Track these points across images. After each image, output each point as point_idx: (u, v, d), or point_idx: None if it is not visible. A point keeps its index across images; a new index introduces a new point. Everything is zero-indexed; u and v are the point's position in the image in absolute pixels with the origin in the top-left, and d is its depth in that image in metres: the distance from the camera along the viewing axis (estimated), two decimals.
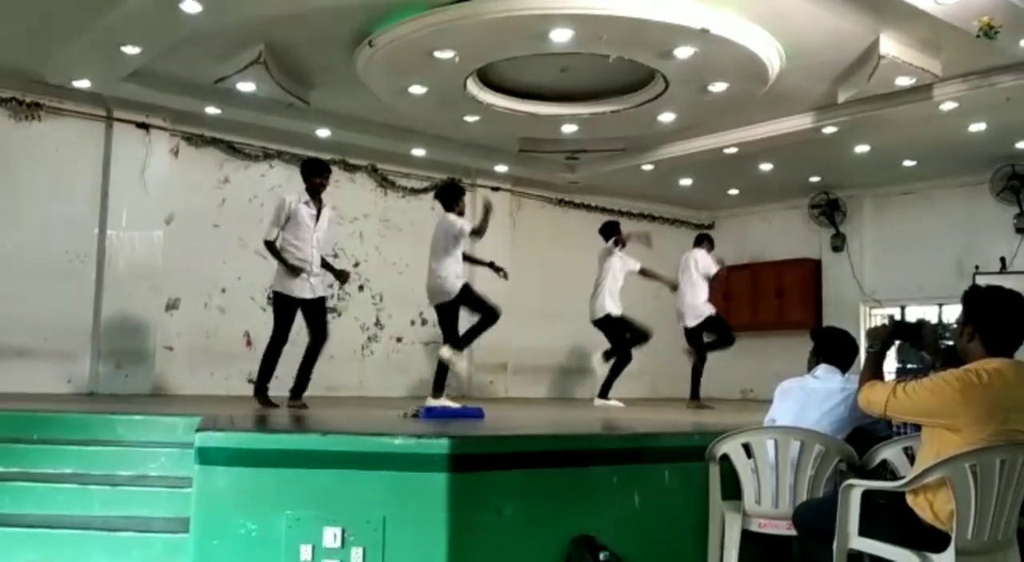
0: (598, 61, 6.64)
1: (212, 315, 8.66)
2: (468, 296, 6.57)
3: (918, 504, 2.95)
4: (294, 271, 6.01)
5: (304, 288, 6.07)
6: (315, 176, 6.16)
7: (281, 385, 6.19)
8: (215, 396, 8.06)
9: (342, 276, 6.46)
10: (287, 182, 9.02)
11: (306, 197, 6.13)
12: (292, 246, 6.07)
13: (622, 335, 8.11)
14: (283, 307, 6.12)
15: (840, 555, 3.07)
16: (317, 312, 6.18)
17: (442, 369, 6.63)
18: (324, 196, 6.24)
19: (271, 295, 6.32)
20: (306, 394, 6.19)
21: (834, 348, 4.00)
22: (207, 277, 8.65)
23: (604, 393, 8.14)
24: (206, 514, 3.40)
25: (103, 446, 4.47)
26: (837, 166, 9.86)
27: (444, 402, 6.42)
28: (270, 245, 6.11)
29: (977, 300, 3.02)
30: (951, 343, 3.23)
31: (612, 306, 8.12)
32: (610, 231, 8.49)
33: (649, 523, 3.84)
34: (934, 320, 9.74)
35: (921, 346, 3.65)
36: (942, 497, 2.86)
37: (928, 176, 10.06)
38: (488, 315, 6.55)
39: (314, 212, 6.14)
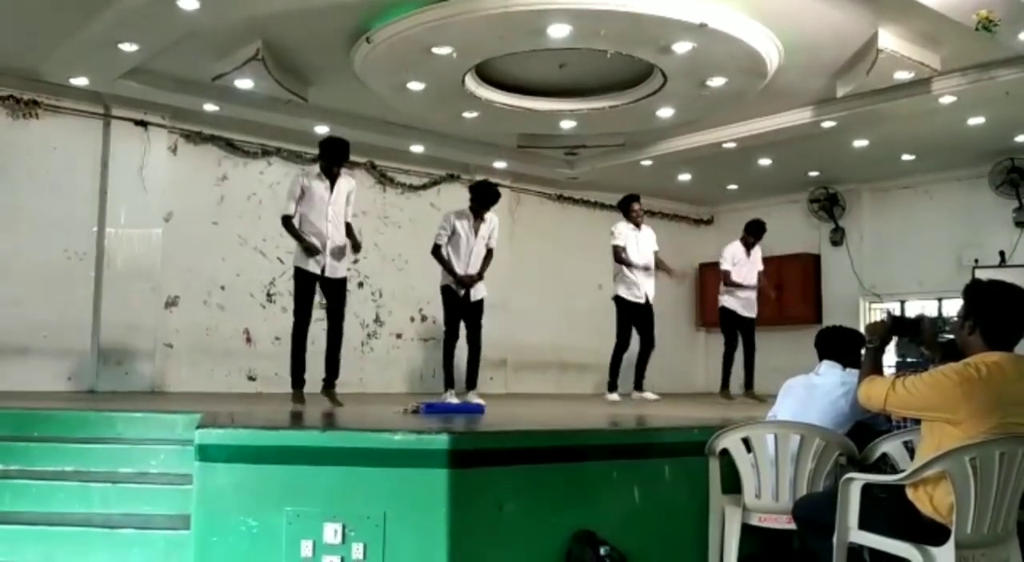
0: (596, 56, 6.62)
1: (212, 312, 8.66)
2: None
3: (918, 497, 2.96)
4: (309, 250, 5.99)
5: (316, 264, 6.01)
6: (321, 158, 6.15)
7: (283, 382, 6.19)
8: (215, 393, 8.07)
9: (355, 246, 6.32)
10: (285, 179, 8.99)
11: (318, 171, 6.10)
12: (307, 222, 6.04)
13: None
14: (299, 282, 6.09)
15: (840, 548, 3.07)
16: (332, 292, 6.15)
17: (449, 365, 6.79)
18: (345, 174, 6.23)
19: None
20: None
21: (834, 345, 4.01)
22: (206, 274, 8.64)
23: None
24: (207, 511, 3.41)
25: (103, 444, 4.48)
26: (836, 160, 9.85)
27: (474, 398, 6.62)
28: (286, 220, 6.07)
29: (978, 294, 3.03)
30: (950, 337, 3.24)
31: None
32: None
33: (650, 518, 3.84)
34: (933, 314, 9.75)
35: (920, 341, 3.65)
36: (942, 490, 2.86)
37: (927, 170, 10.04)
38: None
39: (327, 184, 6.05)
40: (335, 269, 6.07)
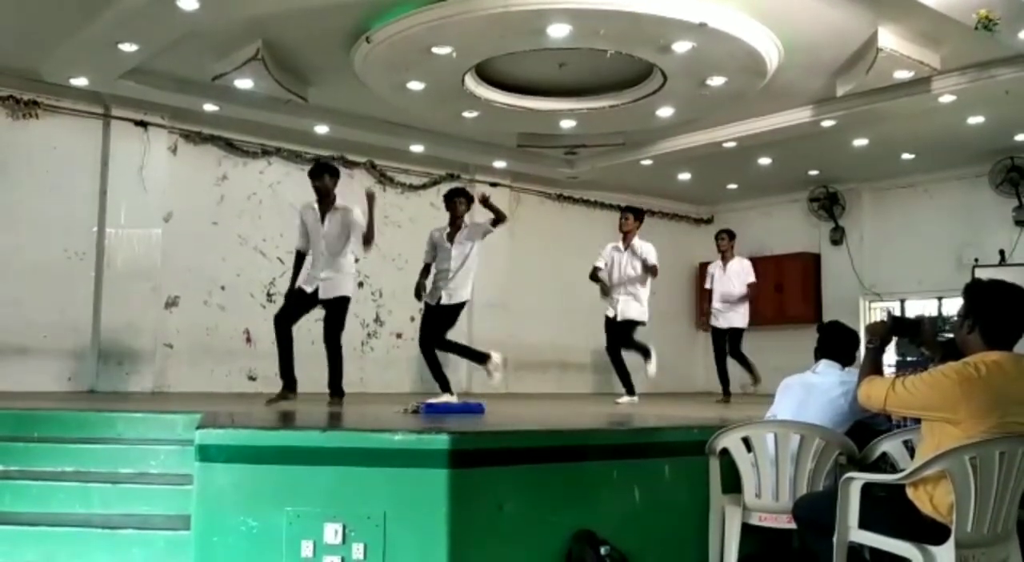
0: (596, 56, 6.62)
1: (212, 312, 8.66)
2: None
3: (918, 497, 2.96)
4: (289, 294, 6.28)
5: (309, 281, 6.20)
6: (312, 180, 6.28)
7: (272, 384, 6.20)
8: (215, 393, 8.07)
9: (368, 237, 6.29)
10: (285, 179, 9.05)
11: (313, 203, 6.29)
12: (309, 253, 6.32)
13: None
14: (288, 293, 6.33)
15: (840, 548, 3.07)
16: (327, 310, 6.26)
17: (433, 368, 6.86)
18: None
19: None
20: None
21: (835, 343, 4.01)
22: (206, 274, 8.64)
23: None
24: (207, 511, 3.41)
25: (103, 444, 4.48)
26: (836, 160, 9.85)
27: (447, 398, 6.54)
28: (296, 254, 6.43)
29: (978, 293, 3.03)
30: (950, 336, 3.24)
31: None
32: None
33: (650, 517, 3.84)
34: (933, 313, 9.76)
35: (920, 341, 3.65)
36: (942, 490, 2.86)
37: (927, 169, 10.05)
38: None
39: (318, 216, 6.23)
40: (328, 291, 6.17)
